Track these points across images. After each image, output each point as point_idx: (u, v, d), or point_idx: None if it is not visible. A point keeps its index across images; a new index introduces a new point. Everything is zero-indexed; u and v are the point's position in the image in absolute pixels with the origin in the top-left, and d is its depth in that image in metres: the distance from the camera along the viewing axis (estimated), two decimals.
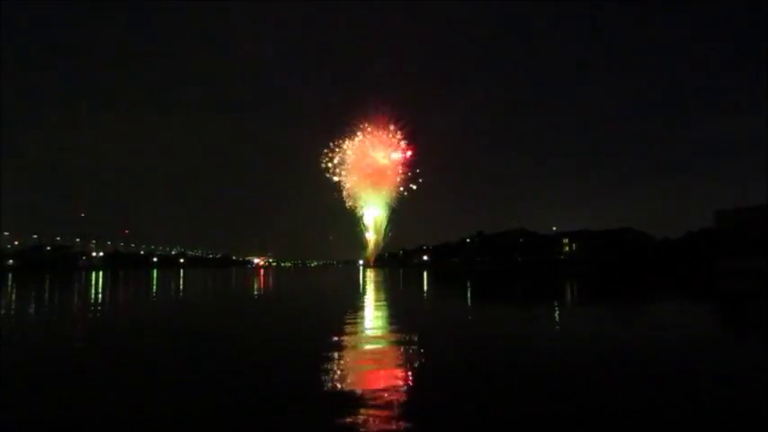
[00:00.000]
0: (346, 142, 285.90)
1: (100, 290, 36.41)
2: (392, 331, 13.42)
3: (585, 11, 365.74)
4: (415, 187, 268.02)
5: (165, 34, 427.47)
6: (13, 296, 29.66)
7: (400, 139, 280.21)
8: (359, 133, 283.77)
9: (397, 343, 11.45)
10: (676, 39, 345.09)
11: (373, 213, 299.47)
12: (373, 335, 12.95)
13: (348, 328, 13.41)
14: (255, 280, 58.64)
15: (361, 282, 49.42)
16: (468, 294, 29.26)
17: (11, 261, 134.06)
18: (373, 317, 16.13)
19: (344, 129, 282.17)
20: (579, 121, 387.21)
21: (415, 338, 11.73)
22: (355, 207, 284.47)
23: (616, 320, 17.01)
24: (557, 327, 15.28)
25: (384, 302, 23.32)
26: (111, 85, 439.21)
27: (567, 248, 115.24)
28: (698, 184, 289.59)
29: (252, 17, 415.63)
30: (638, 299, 28.77)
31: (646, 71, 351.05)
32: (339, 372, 8.55)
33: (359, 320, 15.43)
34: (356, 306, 20.78)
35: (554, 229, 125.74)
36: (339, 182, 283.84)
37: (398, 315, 16.83)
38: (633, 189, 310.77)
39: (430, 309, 21.69)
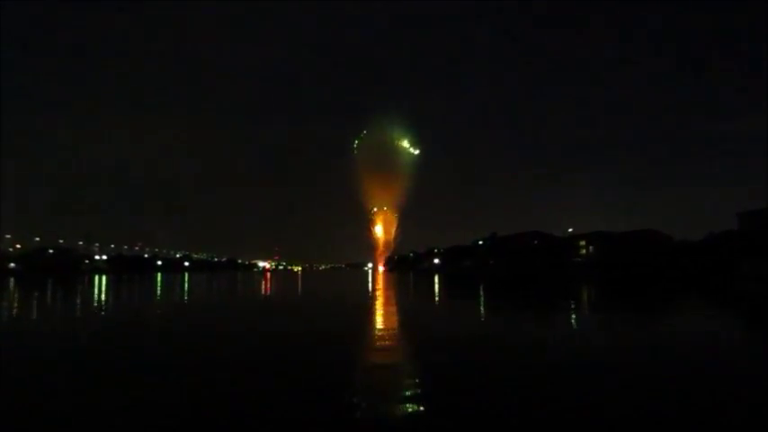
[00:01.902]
0: (356, 142, 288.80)
1: (104, 296, 36.75)
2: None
3: (602, 8, 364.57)
4: (417, 152, 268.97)
5: (168, 33, 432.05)
6: (15, 303, 30.06)
7: (410, 139, 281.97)
8: (370, 132, 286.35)
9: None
10: (692, 36, 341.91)
11: (383, 214, 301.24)
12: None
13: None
14: (262, 285, 58.86)
15: (370, 288, 49.22)
16: (491, 305, 28.14)
17: (13, 264, 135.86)
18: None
19: (355, 128, 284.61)
20: (594, 119, 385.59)
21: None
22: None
23: (654, 332, 16.43)
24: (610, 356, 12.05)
25: (405, 321, 20.74)
26: (114, 85, 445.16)
27: (583, 251, 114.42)
28: (720, 183, 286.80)
29: (263, 19, 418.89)
30: (661, 304, 28.61)
31: (666, 68, 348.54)
32: None
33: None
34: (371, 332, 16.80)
35: (570, 230, 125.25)
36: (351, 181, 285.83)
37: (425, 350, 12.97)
38: (652, 189, 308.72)
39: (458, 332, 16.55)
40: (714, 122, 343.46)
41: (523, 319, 20.78)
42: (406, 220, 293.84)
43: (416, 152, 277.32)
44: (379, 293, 39.14)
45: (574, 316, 21.63)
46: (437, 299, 34.12)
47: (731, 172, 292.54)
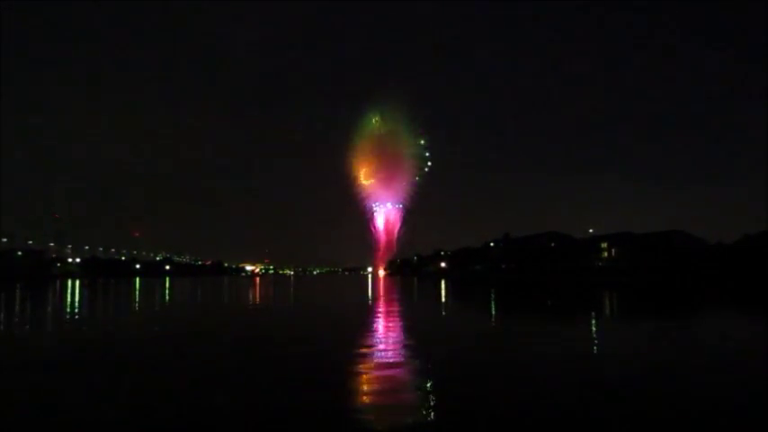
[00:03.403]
0: (358, 136, 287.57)
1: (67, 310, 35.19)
2: None
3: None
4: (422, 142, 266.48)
5: (156, 30, 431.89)
6: None
7: (417, 131, 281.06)
8: (373, 123, 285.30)
9: None
10: (724, 29, 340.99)
11: (385, 213, 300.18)
12: None
13: None
14: (250, 294, 57.88)
15: (370, 298, 47.46)
16: (522, 330, 23.27)
17: None
18: None
19: (357, 118, 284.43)
20: (618, 111, 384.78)
21: None
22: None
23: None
24: None
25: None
26: (91, 77, 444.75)
27: (605, 254, 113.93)
28: (756, 182, 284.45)
29: (257, 12, 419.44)
30: (699, 313, 28.07)
31: (700, 62, 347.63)
32: None
33: None
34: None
35: (590, 231, 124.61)
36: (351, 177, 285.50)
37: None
38: (682, 187, 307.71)
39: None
40: (745, 115, 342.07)
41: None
42: (411, 220, 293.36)
43: (422, 143, 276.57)
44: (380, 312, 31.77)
45: (640, 342, 16.98)
46: (449, 314, 31.77)
47: (762, 169, 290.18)
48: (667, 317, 26.37)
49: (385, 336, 18.44)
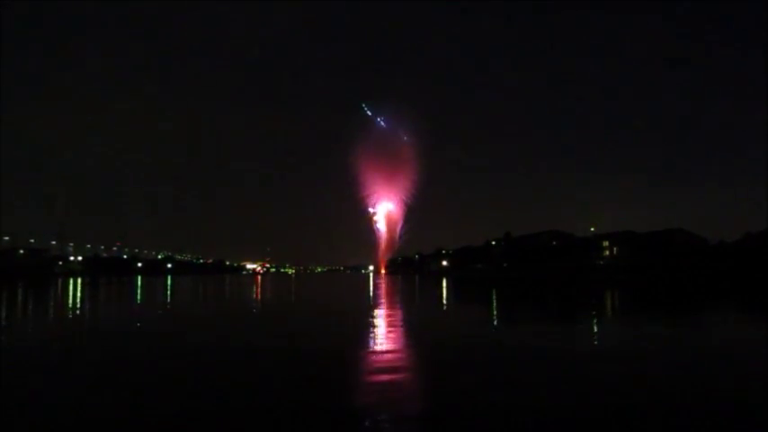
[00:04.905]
0: (359, 133, 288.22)
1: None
2: None
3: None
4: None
5: (158, 29, 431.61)
6: None
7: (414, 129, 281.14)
8: (376, 120, 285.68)
9: None
10: (724, 29, 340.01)
11: (386, 211, 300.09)
12: None
13: None
14: (252, 292, 58.06)
15: (371, 298, 47.12)
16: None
17: None
18: None
19: (358, 116, 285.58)
20: (619, 111, 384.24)
21: None
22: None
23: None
24: None
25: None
26: (91, 73, 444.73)
27: (606, 252, 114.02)
28: (757, 181, 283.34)
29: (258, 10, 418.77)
30: (703, 313, 27.96)
31: (699, 59, 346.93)
32: None
33: None
34: None
35: (592, 230, 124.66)
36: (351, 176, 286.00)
37: None
38: (683, 186, 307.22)
39: None
40: (745, 114, 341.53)
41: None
42: (412, 218, 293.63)
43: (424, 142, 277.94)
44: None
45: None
46: (454, 319, 31.85)
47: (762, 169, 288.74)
48: (680, 317, 26.01)
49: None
